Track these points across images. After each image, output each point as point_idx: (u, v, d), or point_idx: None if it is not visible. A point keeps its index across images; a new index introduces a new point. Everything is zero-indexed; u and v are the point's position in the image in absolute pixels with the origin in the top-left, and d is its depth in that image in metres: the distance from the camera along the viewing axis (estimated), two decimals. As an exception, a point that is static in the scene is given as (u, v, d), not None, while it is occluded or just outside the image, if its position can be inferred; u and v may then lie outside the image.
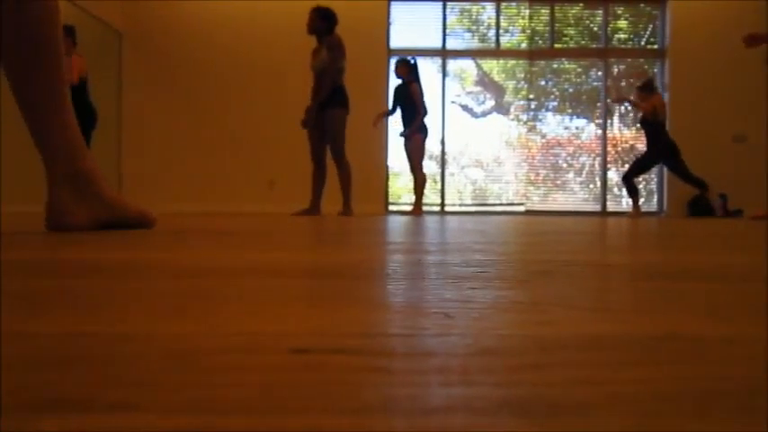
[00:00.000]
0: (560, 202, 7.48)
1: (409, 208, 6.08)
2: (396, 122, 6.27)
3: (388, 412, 0.18)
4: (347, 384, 0.21)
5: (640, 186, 6.89)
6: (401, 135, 5.80)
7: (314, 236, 1.30)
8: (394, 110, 5.83)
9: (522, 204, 7.49)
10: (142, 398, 0.19)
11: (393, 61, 7.23)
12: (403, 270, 0.59)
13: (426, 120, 5.81)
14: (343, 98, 4.75)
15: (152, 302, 0.39)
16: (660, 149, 5.86)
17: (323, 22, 4.73)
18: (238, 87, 7.32)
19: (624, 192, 6.70)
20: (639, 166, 6.01)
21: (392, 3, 7.38)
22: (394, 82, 6.15)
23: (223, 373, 0.22)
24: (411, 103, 5.73)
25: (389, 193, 7.38)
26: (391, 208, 7.40)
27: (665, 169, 6.62)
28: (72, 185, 1.41)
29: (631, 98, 6.17)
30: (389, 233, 1.47)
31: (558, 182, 7.52)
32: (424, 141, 5.82)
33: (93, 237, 1.17)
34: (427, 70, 7.32)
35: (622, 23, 7.59)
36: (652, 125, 5.86)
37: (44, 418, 0.18)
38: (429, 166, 7.20)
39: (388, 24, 7.35)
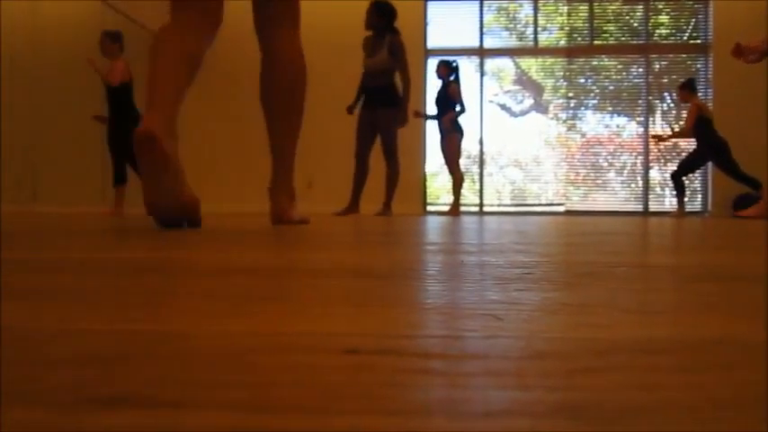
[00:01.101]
0: (601, 201, 7.35)
1: (447, 208, 6.05)
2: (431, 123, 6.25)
3: (445, 415, 0.18)
4: (401, 386, 0.21)
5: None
6: (428, 115, 5.79)
7: (354, 236, 1.30)
8: (439, 114, 5.81)
9: (561, 204, 7.39)
10: (198, 396, 0.20)
11: (431, 62, 7.23)
12: (446, 271, 0.59)
13: (464, 119, 5.79)
14: (396, 97, 4.74)
15: (199, 301, 0.39)
16: (710, 148, 5.72)
17: (381, 19, 4.69)
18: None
19: (667, 191, 6.55)
20: (688, 164, 5.88)
21: (428, 2, 7.37)
22: (432, 83, 6.13)
23: (276, 373, 0.22)
24: (448, 104, 5.72)
25: (427, 194, 7.37)
26: (429, 208, 7.38)
27: (710, 168, 6.45)
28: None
29: (672, 132, 6.16)
30: (429, 234, 1.46)
31: (599, 181, 7.40)
32: (460, 141, 5.79)
33: (148, 237, 1.20)
34: (465, 70, 7.28)
35: (664, 18, 7.42)
36: (700, 124, 5.73)
37: (102, 414, 0.18)
38: (467, 166, 7.16)
39: (425, 24, 7.33)
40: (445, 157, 5.80)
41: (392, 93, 4.71)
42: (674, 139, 6.44)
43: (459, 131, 5.77)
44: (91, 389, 0.20)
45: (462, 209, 6.34)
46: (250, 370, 0.23)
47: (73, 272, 0.57)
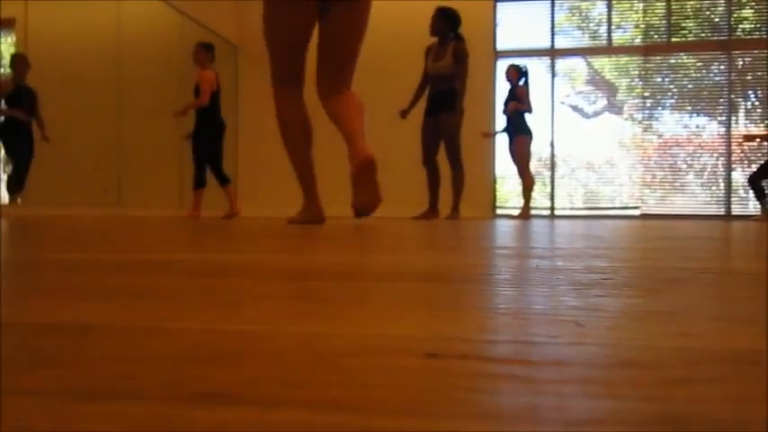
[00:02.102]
0: (679, 205, 7.07)
1: (517, 212, 5.96)
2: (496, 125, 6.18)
3: (531, 421, 0.18)
4: (485, 391, 0.21)
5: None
6: (497, 132, 5.79)
7: (426, 239, 1.30)
8: (508, 117, 5.77)
9: (636, 208, 7.14)
10: (289, 395, 0.20)
11: (500, 64, 7.14)
12: (520, 275, 0.58)
13: (533, 121, 5.71)
14: (457, 102, 4.73)
15: (284, 303, 0.40)
16: None
17: (445, 24, 4.71)
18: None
19: (751, 194, 6.23)
20: (766, 167, 5.59)
21: (498, 3, 7.29)
22: (502, 86, 6.08)
23: (362, 375, 0.23)
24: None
25: (496, 197, 7.28)
26: (498, 212, 7.29)
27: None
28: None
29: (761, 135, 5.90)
30: (500, 237, 1.44)
31: (677, 184, 7.11)
32: (529, 143, 5.70)
33: (227, 240, 1.23)
34: (535, 70, 7.16)
35: (747, 12, 7.07)
36: None
37: (200, 410, 0.19)
38: (537, 169, 7.04)
39: (494, 26, 7.26)
40: (515, 159, 5.73)
41: (455, 98, 4.70)
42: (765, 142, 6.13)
43: (528, 133, 5.68)
44: (188, 386, 0.21)
45: (532, 212, 6.24)
46: (337, 371, 0.23)
47: (161, 273, 0.59)
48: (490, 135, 6.02)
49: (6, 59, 6.19)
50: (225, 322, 0.34)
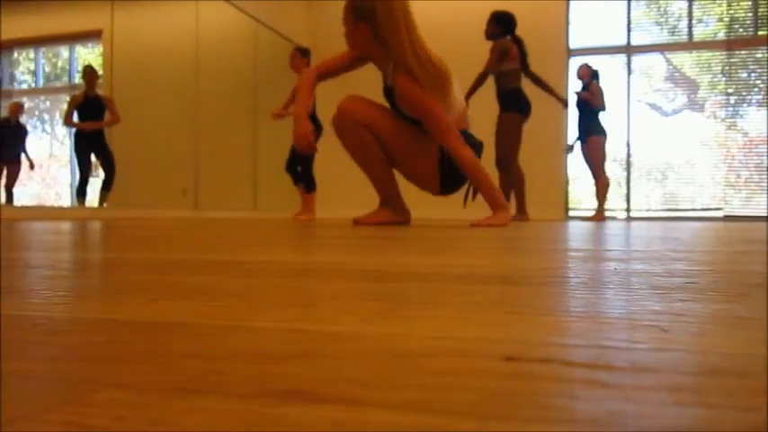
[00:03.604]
0: (765, 206, 6.70)
1: (590, 213, 5.81)
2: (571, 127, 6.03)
3: (621, 428, 0.17)
4: (568, 396, 0.20)
5: None
6: (573, 145, 5.71)
7: (499, 241, 1.29)
8: (581, 116, 5.67)
9: (719, 209, 6.82)
10: (368, 394, 0.20)
11: (573, 62, 6.98)
12: (598, 278, 0.57)
13: (607, 120, 5.57)
14: (515, 102, 4.66)
15: (358, 303, 0.41)
16: None
17: (497, 27, 4.69)
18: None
19: None
20: None
21: (571, 1, 7.12)
22: (575, 86, 5.95)
23: (441, 377, 0.23)
24: (588, 106, 5.54)
25: (569, 199, 7.11)
26: (571, 213, 7.12)
27: None
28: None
29: None
30: (574, 239, 1.41)
31: (764, 184, 6.75)
32: (604, 143, 5.55)
33: (302, 242, 1.26)
34: (611, 68, 6.96)
35: (843, 2, 6.64)
36: None
37: (281, 407, 0.19)
38: (612, 169, 6.83)
39: (567, 23, 7.10)
40: (588, 160, 5.59)
41: (511, 97, 4.66)
42: None
43: (602, 133, 5.53)
44: (270, 383, 0.22)
45: (608, 214, 6.06)
46: (415, 372, 0.23)
47: (241, 274, 0.61)
48: (568, 149, 5.92)
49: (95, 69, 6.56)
50: (303, 322, 0.34)
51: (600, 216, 5.54)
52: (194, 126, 6.61)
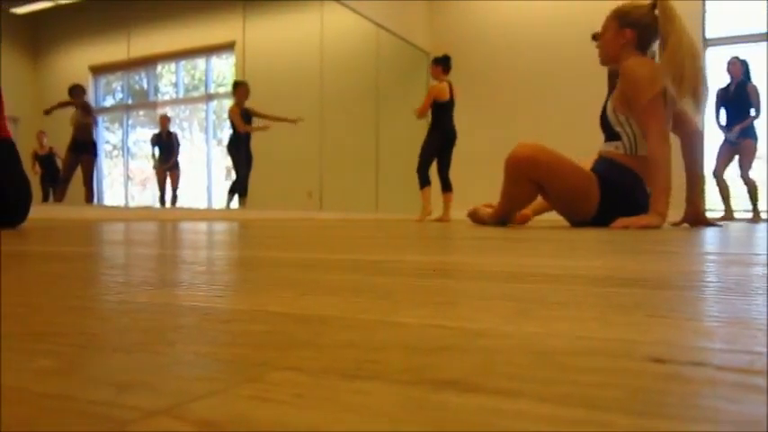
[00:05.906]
0: None
1: (749, 215, 5.46)
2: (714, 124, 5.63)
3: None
4: (724, 399, 0.20)
5: None
6: (730, 140, 5.31)
7: (628, 243, 1.24)
8: (729, 117, 5.33)
9: None
10: (520, 387, 0.21)
11: (710, 52, 6.52)
12: (745, 283, 0.54)
13: (758, 121, 5.22)
14: None
15: (494, 303, 0.42)
16: None
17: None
18: (540, 97, 7.33)
19: None
20: None
21: (707, -13, 6.67)
22: (713, 77, 5.57)
23: (588, 374, 0.23)
24: (743, 104, 5.18)
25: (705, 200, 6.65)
26: (708, 215, 6.65)
27: None
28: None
29: None
30: (717, 242, 1.33)
31: None
32: (755, 148, 5.20)
33: (430, 243, 1.28)
34: (751, 58, 6.44)
35: None
36: None
37: (440, 394, 0.20)
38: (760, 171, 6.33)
39: (703, 11, 6.65)
40: (740, 163, 5.28)
41: None
42: None
43: (755, 138, 5.19)
44: (424, 372, 0.23)
45: (736, 215, 5.65)
46: (561, 369, 0.24)
47: (378, 272, 0.64)
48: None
49: (228, 78, 7.02)
50: (444, 319, 0.36)
51: (757, 218, 5.23)
52: (319, 129, 6.86)
